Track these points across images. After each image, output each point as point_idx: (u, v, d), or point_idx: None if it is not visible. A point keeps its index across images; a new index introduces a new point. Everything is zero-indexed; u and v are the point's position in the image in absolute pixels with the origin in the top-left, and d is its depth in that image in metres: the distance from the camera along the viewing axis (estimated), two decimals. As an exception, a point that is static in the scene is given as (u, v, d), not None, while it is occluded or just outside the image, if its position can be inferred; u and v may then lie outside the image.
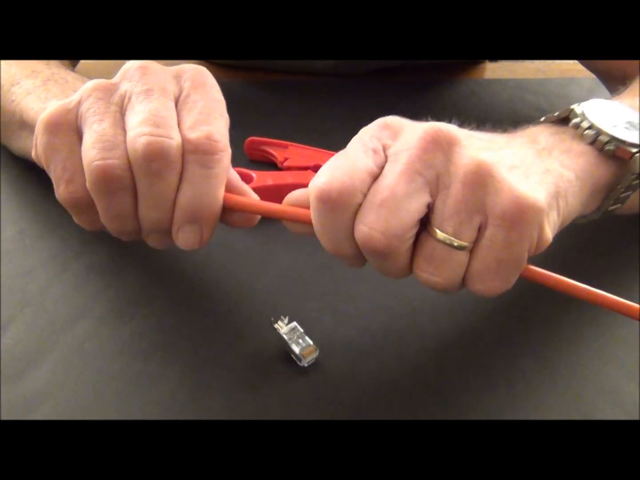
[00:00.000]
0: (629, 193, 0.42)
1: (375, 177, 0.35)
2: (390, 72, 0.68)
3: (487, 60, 0.75)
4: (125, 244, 0.50)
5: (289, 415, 0.40)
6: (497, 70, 0.74)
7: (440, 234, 0.34)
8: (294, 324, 0.43)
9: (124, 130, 0.38)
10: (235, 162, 0.56)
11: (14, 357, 0.42)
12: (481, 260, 0.35)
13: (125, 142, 0.37)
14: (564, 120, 0.42)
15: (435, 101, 0.67)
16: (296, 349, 0.42)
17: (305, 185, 0.53)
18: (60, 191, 0.39)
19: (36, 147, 0.40)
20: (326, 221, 0.36)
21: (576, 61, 0.67)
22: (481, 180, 0.34)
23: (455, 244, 0.34)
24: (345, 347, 0.43)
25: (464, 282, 0.36)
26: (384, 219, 0.34)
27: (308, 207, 0.37)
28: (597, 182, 0.41)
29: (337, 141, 0.57)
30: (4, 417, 0.39)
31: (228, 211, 0.40)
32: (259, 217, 0.41)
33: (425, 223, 0.35)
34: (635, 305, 0.35)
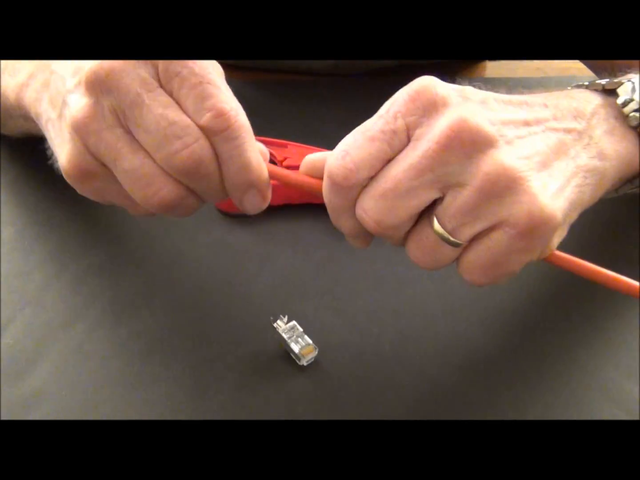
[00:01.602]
0: None
1: (389, 161, 0.34)
2: (390, 72, 0.68)
3: (486, 60, 0.75)
4: (123, 245, 0.50)
5: (289, 414, 0.40)
6: (496, 69, 0.74)
7: (437, 227, 0.34)
8: (293, 323, 0.43)
9: (149, 152, 0.36)
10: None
11: (13, 357, 0.42)
12: (478, 255, 0.34)
13: (156, 164, 0.36)
14: (610, 91, 0.40)
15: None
16: (295, 348, 0.42)
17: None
18: (134, 213, 0.39)
19: (80, 191, 0.39)
20: (332, 198, 0.36)
21: (576, 60, 0.67)
22: (500, 192, 0.33)
23: (451, 240, 0.34)
24: (344, 346, 0.43)
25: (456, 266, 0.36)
26: (381, 210, 0.34)
27: (321, 173, 0.37)
28: (630, 169, 0.40)
29: (336, 141, 0.57)
30: (4, 417, 0.39)
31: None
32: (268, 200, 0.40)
33: (427, 208, 0.35)
34: (636, 283, 0.35)
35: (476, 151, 0.33)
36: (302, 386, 0.41)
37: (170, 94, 0.36)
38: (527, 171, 0.33)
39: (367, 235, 0.37)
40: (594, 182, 0.37)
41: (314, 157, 0.39)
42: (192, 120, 0.36)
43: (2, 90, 0.48)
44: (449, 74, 0.71)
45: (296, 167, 0.55)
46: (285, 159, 0.56)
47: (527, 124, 0.35)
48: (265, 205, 0.39)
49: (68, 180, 0.38)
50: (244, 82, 0.67)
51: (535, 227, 0.33)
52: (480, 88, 0.37)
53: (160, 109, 0.36)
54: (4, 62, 0.48)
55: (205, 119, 0.36)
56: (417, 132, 0.34)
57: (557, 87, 0.59)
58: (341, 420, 0.39)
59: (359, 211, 0.35)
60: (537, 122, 0.36)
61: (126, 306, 0.46)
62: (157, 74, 0.37)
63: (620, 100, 0.39)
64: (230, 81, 0.69)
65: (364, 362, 0.43)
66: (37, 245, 0.50)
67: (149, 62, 0.37)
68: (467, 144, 0.33)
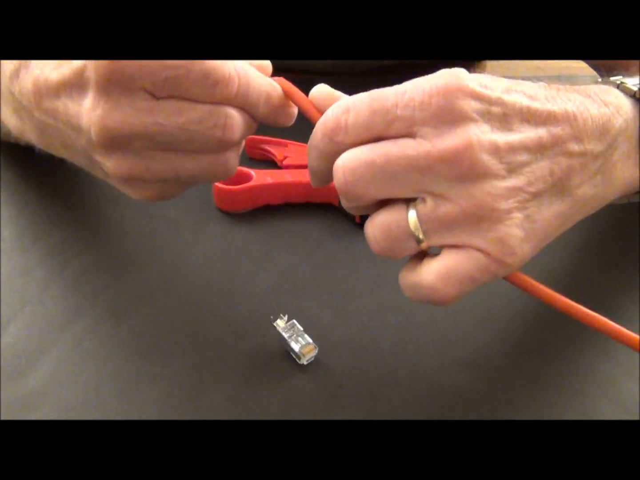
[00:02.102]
0: None
1: (379, 138, 0.34)
2: (389, 71, 0.68)
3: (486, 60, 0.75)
4: (123, 244, 0.50)
5: (288, 413, 0.40)
6: (496, 68, 0.74)
7: (412, 220, 0.34)
8: (293, 322, 0.43)
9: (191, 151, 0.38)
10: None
11: (14, 355, 0.43)
12: (454, 263, 0.34)
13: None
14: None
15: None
16: (295, 347, 0.42)
17: (303, 184, 0.54)
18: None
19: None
20: (317, 138, 0.37)
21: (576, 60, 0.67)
22: (480, 217, 0.33)
23: (420, 237, 0.34)
24: (344, 345, 0.43)
25: (411, 270, 0.36)
26: (357, 175, 0.34)
27: (323, 109, 0.38)
28: (632, 190, 0.40)
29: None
30: (4, 416, 0.39)
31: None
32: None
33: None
34: (636, 335, 0.36)
35: (470, 176, 0.33)
36: (302, 385, 0.41)
37: (170, 96, 0.37)
38: (512, 207, 0.33)
39: (323, 178, 0.38)
40: (587, 210, 0.38)
41: (323, 92, 0.40)
42: (208, 102, 0.37)
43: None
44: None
45: (296, 167, 0.56)
46: (285, 157, 0.56)
47: (540, 147, 0.34)
48: (295, 113, 0.43)
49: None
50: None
51: (502, 260, 0.34)
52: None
53: (179, 119, 0.37)
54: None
55: (218, 94, 0.37)
56: (423, 130, 0.33)
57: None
58: (341, 420, 0.39)
59: (338, 161, 0.35)
60: (554, 143, 0.35)
61: (126, 305, 0.46)
62: (148, 92, 0.37)
63: None
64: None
65: (364, 360, 0.43)
66: (37, 244, 0.50)
67: (134, 88, 0.36)
68: (465, 168, 0.33)
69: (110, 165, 0.38)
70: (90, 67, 0.37)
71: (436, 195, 0.34)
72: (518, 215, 0.34)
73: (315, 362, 0.42)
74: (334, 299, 0.46)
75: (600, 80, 0.41)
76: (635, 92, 0.39)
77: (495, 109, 0.34)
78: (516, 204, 0.33)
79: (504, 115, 0.34)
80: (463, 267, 0.34)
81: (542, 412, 0.40)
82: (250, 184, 0.53)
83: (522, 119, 0.34)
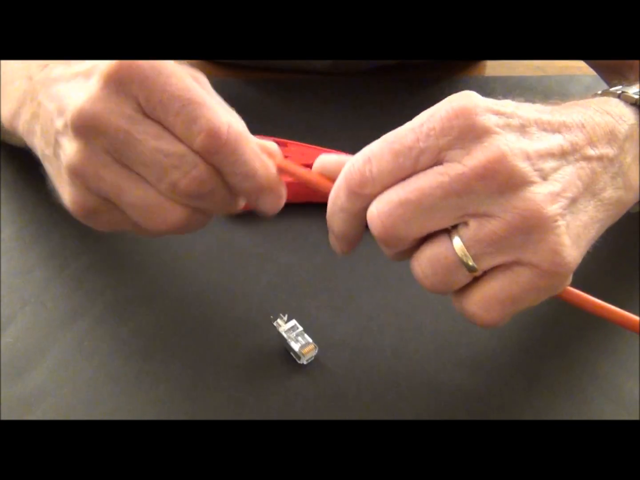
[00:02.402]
0: None
1: (409, 176, 0.33)
2: (389, 70, 0.68)
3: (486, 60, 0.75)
4: (123, 243, 0.50)
5: (289, 412, 0.40)
6: (496, 67, 0.74)
7: (459, 247, 0.33)
8: (293, 321, 0.43)
9: (150, 183, 0.36)
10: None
11: (14, 355, 0.43)
12: (496, 288, 0.34)
13: (160, 194, 0.36)
14: None
15: (435, 98, 0.66)
16: (295, 347, 0.42)
17: (303, 184, 0.53)
18: (146, 236, 0.40)
19: (92, 226, 0.39)
20: (340, 198, 0.35)
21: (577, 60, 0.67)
22: (528, 229, 0.32)
23: (470, 264, 0.33)
24: (344, 345, 0.43)
25: (457, 298, 0.35)
26: (395, 218, 0.33)
27: (334, 175, 0.36)
28: None
29: (336, 139, 0.58)
30: (4, 415, 0.39)
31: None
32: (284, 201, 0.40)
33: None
34: (636, 317, 0.35)
35: (510, 187, 0.32)
36: (302, 385, 0.41)
37: (158, 121, 0.36)
38: (557, 212, 0.33)
39: (353, 241, 0.37)
40: (614, 214, 0.37)
41: (330, 159, 0.38)
42: (186, 144, 0.36)
43: None
44: (447, 72, 0.71)
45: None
46: (285, 157, 0.56)
47: (563, 153, 0.35)
48: (282, 204, 0.39)
49: (77, 218, 0.39)
50: (244, 81, 0.67)
51: (557, 271, 0.33)
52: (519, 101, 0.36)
53: (152, 142, 0.36)
54: None
55: (198, 142, 0.35)
56: (451, 154, 0.33)
57: (556, 86, 0.59)
58: (341, 420, 0.39)
59: (371, 212, 0.34)
60: (574, 149, 0.35)
61: (127, 305, 0.46)
62: (140, 106, 0.36)
63: None
64: (229, 80, 0.69)
65: (364, 360, 0.43)
66: (37, 243, 0.50)
67: (129, 95, 0.36)
68: (503, 180, 0.32)
69: (69, 150, 0.37)
70: (105, 62, 0.37)
71: (479, 216, 0.33)
72: (563, 222, 0.33)
73: (315, 362, 0.42)
74: (334, 299, 0.46)
75: (600, 92, 0.41)
76: (636, 100, 0.39)
77: (514, 121, 0.34)
78: (559, 210, 0.33)
79: (523, 127, 0.34)
80: (506, 291, 0.33)
81: (542, 412, 0.40)
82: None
83: (539, 129, 0.34)
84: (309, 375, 0.42)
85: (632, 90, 0.40)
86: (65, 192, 0.39)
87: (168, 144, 0.36)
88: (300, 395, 0.41)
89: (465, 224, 0.33)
